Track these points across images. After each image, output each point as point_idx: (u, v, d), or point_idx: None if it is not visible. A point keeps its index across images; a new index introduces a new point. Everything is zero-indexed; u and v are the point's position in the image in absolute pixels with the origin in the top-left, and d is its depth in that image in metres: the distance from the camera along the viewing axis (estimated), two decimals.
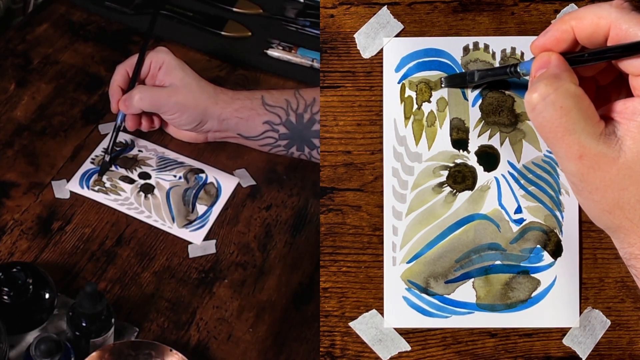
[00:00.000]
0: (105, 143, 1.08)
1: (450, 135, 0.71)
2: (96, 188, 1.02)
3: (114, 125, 1.05)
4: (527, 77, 0.60)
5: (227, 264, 0.97)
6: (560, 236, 0.70)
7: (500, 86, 0.71)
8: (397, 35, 0.71)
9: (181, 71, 1.03)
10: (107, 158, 1.04)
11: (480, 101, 0.71)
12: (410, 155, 0.70)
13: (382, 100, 0.71)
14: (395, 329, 0.70)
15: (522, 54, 0.71)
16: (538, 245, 0.70)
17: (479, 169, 0.71)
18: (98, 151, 1.07)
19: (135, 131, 1.10)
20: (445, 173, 0.71)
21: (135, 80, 1.03)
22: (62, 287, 0.92)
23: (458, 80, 0.69)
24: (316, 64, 1.21)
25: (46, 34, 1.22)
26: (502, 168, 0.70)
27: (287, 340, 0.92)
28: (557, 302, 0.70)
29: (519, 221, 0.70)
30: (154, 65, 1.04)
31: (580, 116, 0.53)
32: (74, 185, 1.03)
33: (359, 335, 0.71)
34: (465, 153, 0.70)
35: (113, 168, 1.05)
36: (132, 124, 1.05)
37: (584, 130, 0.53)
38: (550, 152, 0.70)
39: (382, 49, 0.71)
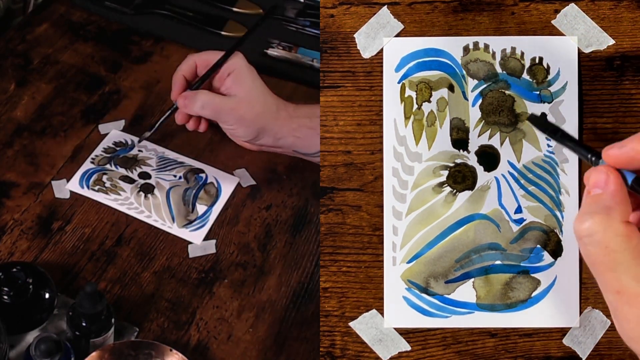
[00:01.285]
0: (105, 143, 1.08)
1: (451, 135, 0.70)
2: (96, 188, 1.02)
3: (167, 110, 1.03)
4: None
5: (227, 264, 0.97)
6: (560, 236, 0.70)
7: (501, 86, 0.71)
8: (397, 35, 0.71)
9: (250, 82, 1.00)
10: (147, 134, 1.04)
11: (480, 101, 0.71)
12: (410, 155, 0.70)
13: (382, 100, 0.71)
14: (395, 329, 0.70)
15: (522, 53, 0.70)
16: (538, 245, 0.70)
17: (479, 169, 0.71)
18: (98, 151, 1.07)
19: (136, 131, 1.10)
20: (445, 173, 0.71)
21: (204, 81, 1.01)
22: (62, 287, 0.92)
23: (540, 124, 0.67)
24: (316, 64, 1.21)
25: (46, 34, 1.22)
26: (502, 168, 0.70)
27: (287, 340, 0.92)
28: (557, 302, 0.70)
29: (519, 221, 0.70)
30: (223, 69, 1.01)
31: (624, 258, 0.53)
32: (74, 185, 1.03)
33: (359, 335, 0.71)
34: (465, 153, 0.70)
35: (113, 168, 1.05)
36: (181, 118, 1.03)
37: (626, 270, 0.53)
38: (550, 152, 0.70)
39: (382, 49, 0.71)
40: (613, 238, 0.53)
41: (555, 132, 0.63)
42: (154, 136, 1.06)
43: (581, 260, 0.71)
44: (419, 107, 0.71)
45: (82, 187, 1.02)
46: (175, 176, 1.05)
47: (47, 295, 0.87)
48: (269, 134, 1.00)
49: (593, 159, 0.59)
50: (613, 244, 0.53)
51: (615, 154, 0.56)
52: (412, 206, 0.70)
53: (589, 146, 0.60)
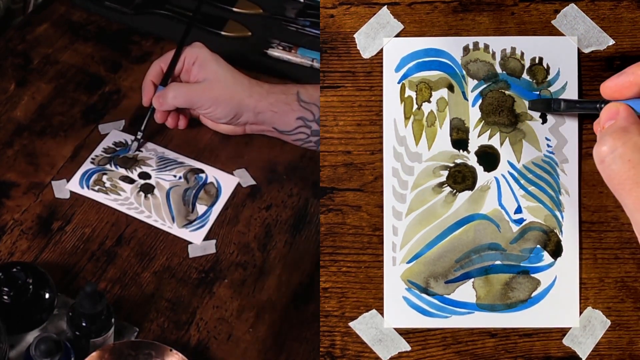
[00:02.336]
0: (105, 143, 1.08)
1: (450, 135, 0.70)
2: (96, 188, 1.02)
3: (148, 112, 1.06)
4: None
5: (227, 264, 0.97)
6: (560, 236, 0.70)
7: (501, 86, 0.71)
8: (397, 35, 0.71)
9: (215, 64, 1.04)
10: (140, 136, 1.06)
11: (480, 101, 0.71)
12: (410, 155, 0.70)
13: (382, 100, 0.71)
14: (395, 329, 0.70)
15: (522, 53, 0.71)
16: (538, 245, 0.70)
17: (479, 169, 0.71)
18: (98, 151, 1.07)
19: (136, 131, 1.10)
20: (445, 173, 0.71)
21: (169, 76, 1.05)
22: (62, 287, 0.92)
23: (541, 106, 0.70)
24: (316, 64, 1.21)
25: (46, 34, 1.22)
26: (502, 168, 0.70)
27: (287, 340, 0.92)
28: (557, 302, 0.70)
29: (519, 221, 0.70)
30: (187, 60, 1.05)
31: None
32: (74, 185, 1.03)
33: (359, 335, 0.71)
34: (465, 153, 0.70)
35: (113, 168, 1.05)
36: (160, 117, 1.07)
37: None
38: (550, 152, 0.70)
39: (382, 49, 0.71)
40: (634, 150, 0.54)
41: (557, 104, 0.67)
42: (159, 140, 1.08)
43: (581, 260, 0.71)
44: (419, 107, 0.71)
45: (82, 187, 1.02)
46: (175, 176, 1.05)
47: (47, 295, 0.87)
48: (247, 109, 1.03)
49: (602, 105, 0.62)
50: (635, 156, 0.53)
51: (614, 83, 0.58)
52: (412, 206, 0.70)
53: (592, 100, 0.63)
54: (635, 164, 0.53)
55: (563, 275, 0.70)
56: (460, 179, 0.71)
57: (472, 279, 0.70)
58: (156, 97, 1.04)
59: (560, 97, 0.70)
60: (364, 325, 0.71)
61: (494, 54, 0.71)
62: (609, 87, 0.59)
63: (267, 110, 1.04)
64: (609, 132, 0.56)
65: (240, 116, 1.04)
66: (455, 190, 0.70)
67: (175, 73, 1.06)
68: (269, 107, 1.04)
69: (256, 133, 1.09)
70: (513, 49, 0.71)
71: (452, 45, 0.71)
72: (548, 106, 0.69)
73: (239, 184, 1.06)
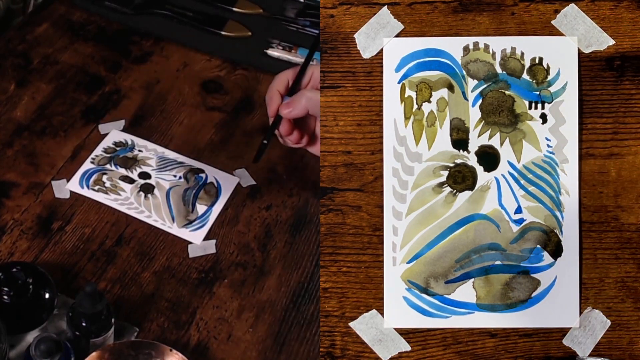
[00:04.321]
0: (105, 143, 1.08)
1: (451, 135, 0.71)
2: (96, 188, 1.02)
3: (270, 126, 1.00)
4: None
5: (227, 264, 0.97)
6: (560, 236, 0.71)
7: (501, 86, 0.71)
8: (397, 36, 0.71)
9: None
10: (255, 160, 1.00)
11: (480, 101, 0.71)
12: (410, 155, 0.70)
13: (382, 100, 0.71)
14: (395, 329, 0.70)
15: (522, 54, 0.71)
16: (538, 246, 0.70)
17: (479, 169, 0.71)
18: (98, 151, 1.07)
19: (136, 131, 1.10)
20: (445, 173, 0.71)
21: (295, 88, 0.99)
22: (62, 287, 0.92)
23: None
24: (316, 64, 1.21)
25: (46, 34, 1.22)
26: (502, 168, 0.70)
27: (287, 340, 0.92)
28: (557, 302, 0.70)
29: (519, 221, 0.70)
30: (315, 77, 1.00)
31: None
32: (74, 185, 1.03)
33: (359, 335, 0.71)
34: (465, 153, 0.70)
35: (113, 168, 1.05)
36: (287, 130, 0.96)
37: None
38: (550, 152, 0.70)
39: (382, 49, 0.71)
40: None
41: None
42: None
43: (581, 260, 0.71)
44: (419, 107, 0.71)
45: (82, 187, 1.02)
46: (175, 176, 1.05)
47: (47, 295, 0.87)
48: None
49: None
50: None
51: None
52: (412, 206, 0.70)
53: None
54: None
55: (563, 275, 0.70)
56: (460, 179, 0.71)
57: (472, 279, 0.70)
58: (285, 104, 0.95)
59: (561, 102, 0.70)
60: (364, 325, 0.71)
61: (494, 54, 0.71)
62: None
63: None
64: None
65: None
66: (455, 190, 0.70)
67: (302, 86, 1.01)
68: None
69: None
70: (513, 49, 0.71)
71: (452, 45, 0.71)
72: None
73: (239, 184, 1.06)
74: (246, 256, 0.98)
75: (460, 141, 0.70)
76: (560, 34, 0.71)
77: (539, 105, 0.71)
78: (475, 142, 0.70)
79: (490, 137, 0.70)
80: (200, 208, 1.02)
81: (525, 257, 0.71)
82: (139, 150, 1.08)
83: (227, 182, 1.06)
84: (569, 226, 0.70)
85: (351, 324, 0.71)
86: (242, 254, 0.99)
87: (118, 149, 1.07)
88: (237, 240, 1.00)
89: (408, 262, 0.70)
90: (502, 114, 0.71)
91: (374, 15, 0.71)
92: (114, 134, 1.09)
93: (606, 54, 0.71)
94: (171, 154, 1.08)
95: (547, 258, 0.70)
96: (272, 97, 0.99)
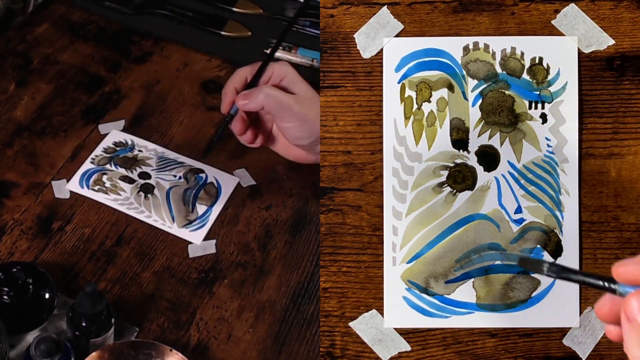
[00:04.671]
0: (105, 143, 1.08)
1: (450, 135, 0.71)
2: (96, 188, 1.02)
3: (221, 122, 0.99)
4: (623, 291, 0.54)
5: (227, 264, 0.97)
6: (560, 236, 0.71)
7: (501, 86, 0.71)
8: (397, 35, 0.71)
9: (305, 86, 0.97)
10: (208, 152, 1.00)
11: (480, 101, 0.71)
12: (410, 155, 0.70)
13: (382, 100, 0.71)
14: (395, 329, 0.70)
15: (522, 53, 0.71)
16: (538, 245, 0.70)
17: (479, 169, 0.71)
18: (98, 151, 1.07)
19: (136, 131, 1.10)
20: (445, 173, 0.71)
21: (253, 86, 0.99)
22: (62, 287, 0.92)
23: (533, 266, 0.63)
24: (316, 64, 1.21)
25: (46, 34, 1.22)
26: (502, 168, 0.70)
27: (287, 340, 0.92)
28: (557, 302, 0.70)
29: (519, 221, 0.70)
30: (275, 76, 0.99)
31: None
32: (74, 185, 1.03)
33: (359, 335, 0.71)
34: (465, 153, 0.70)
35: (113, 168, 1.05)
36: (240, 128, 0.98)
37: None
38: (550, 152, 0.70)
39: (382, 49, 0.71)
40: None
41: (554, 270, 0.58)
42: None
43: (581, 260, 0.71)
44: (419, 107, 0.71)
45: (82, 187, 1.02)
46: (175, 176, 1.05)
47: (47, 295, 0.87)
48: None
49: (610, 285, 0.54)
50: None
51: (631, 271, 0.52)
52: (412, 206, 0.70)
53: (597, 274, 0.55)
54: None
55: None
56: (460, 179, 0.71)
57: (472, 279, 0.70)
58: (242, 95, 0.96)
59: (561, 102, 0.70)
60: (364, 325, 0.71)
61: (494, 54, 0.71)
62: (626, 274, 0.52)
63: None
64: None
65: (318, 142, 0.99)
66: (455, 190, 0.70)
67: (261, 84, 0.99)
68: None
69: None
70: (513, 49, 0.71)
71: (452, 45, 0.71)
72: (539, 268, 0.58)
73: (239, 184, 1.06)
74: (246, 256, 0.98)
75: (460, 141, 0.70)
76: (560, 34, 0.71)
77: (539, 105, 0.71)
78: (475, 142, 0.70)
79: (490, 137, 0.70)
80: (200, 208, 1.02)
81: None
82: (139, 150, 1.08)
83: (227, 182, 1.06)
84: (569, 226, 0.70)
85: (351, 324, 0.71)
86: (242, 254, 0.99)
87: (118, 149, 1.07)
88: (237, 240, 1.00)
89: (408, 262, 0.70)
90: (502, 114, 0.71)
91: (374, 15, 0.71)
92: (114, 134, 1.09)
93: (606, 54, 0.71)
94: (171, 154, 1.08)
95: (547, 258, 0.70)
96: (227, 92, 0.98)
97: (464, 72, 0.71)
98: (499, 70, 0.71)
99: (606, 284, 0.53)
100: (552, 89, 0.71)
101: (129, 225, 1.00)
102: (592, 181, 0.71)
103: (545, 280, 0.70)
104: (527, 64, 0.71)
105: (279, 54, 1.22)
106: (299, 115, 0.95)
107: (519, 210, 0.70)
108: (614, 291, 0.53)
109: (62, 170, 1.04)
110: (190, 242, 0.99)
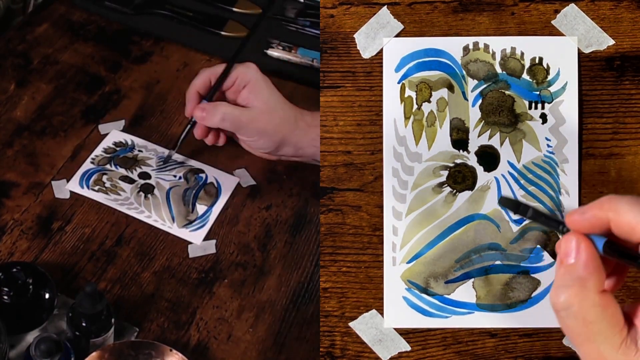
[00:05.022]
0: (105, 143, 1.08)
1: (450, 135, 0.71)
2: (96, 188, 1.02)
3: (185, 126, 1.03)
4: None
5: (227, 264, 0.97)
6: (560, 236, 0.70)
7: (501, 86, 0.71)
8: (397, 35, 0.71)
9: (267, 93, 1.00)
10: (172, 153, 1.04)
11: (480, 101, 0.71)
12: (410, 155, 0.70)
13: (382, 100, 0.71)
14: (395, 329, 0.70)
15: (522, 53, 0.71)
16: (538, 246, 0.70)
17: (479, 169, 0.71)
18: (98, 151, 1.07)
19: (136, 131, 1.10)
20: (445, 173, 0.71)
21: (216, 91, 1.00)
22: (62, 287, 0.92)
23: (510, 205, 0.65)
24: (316, 64, 1.21)
25: (46, 34, 1.22)
26: (502, 168, 0.70)
27: (287, 340, 0.92)
28: None
29: (519, 221, 0.70)
30: (239, 81, 1.00)
31: (602, 327, 0.53)
32: (74, 185, 1.03)
33: (359, 335, 0.71)
34: (465, 153, 0.70)
35: (113, 168, 1.05)
36: (200, 133, 1.03)
37: (604, 340, 0.53)
38: (550, 152, 0.70)
39: (382, 49, 0.71)
40: (589, 309, 0.53)
41: (525, 210, 0.60)
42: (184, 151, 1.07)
43: None
44: (419, 107, 0.71)
45: (82, 187, 1.02)
46: (175, 176, 1.05)
47: (47, 295, 0.87)
48: (289, 144, 1.01)
49: (564, 229, 0.57)
50: (590, 315, 0.53)
51: (577, 221, 0.55)
52: (412, 206, 0.70)
53: (558, 218, 0.58)
54: (588, 322, 0.53)
55: None
56: (460, 179, 0.71)
57: (472, 279, 0.70)
58: (201, 109, 0.99)
59: (561, 102, 0.70)
60: (364, 325, 0.71)
61: (494, 54, 0.71)
62: (575, 222, 0.55)
63: (309, 147, 1.01)
64: (566, 285, 0.53)
65: (280, 149, 1.01)
66: (455, 190, 0.70)
67: (222, 89, 1.02)
68: (311, 142, 1.01)
69: (292, 161, 1.07)
70: (513, 49, 0.71)
71: (452, 45, 0.71)
72: (516, 208, 0.61)
73: (239, 184, 1.06)
74: (246, 256, 0.98)
75: (460, 141, 0.70)
76: (560, 34, 0.71)
77: (539, 105, 0.71)
78: (475, 142, 0.70)
79: (490, 137, 0.70)
80: (200, 208, 1.02)
81: (525, 257, 0.70)
82: (139, 151, 1.08)
83: (227, 182, 1.06)
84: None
85: (351, 324, 0.71)
86: (242, 254, 0.99)
87: (118, 149, 1.07)
88: (237, 240, 1.00)
89: (408, 262, 0.70)
90: (502, 114, 0.71)
91: (373, 15, 0.71)
92: (114, 134, 1.09)
93: (606, 54, 0.71)
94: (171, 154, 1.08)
95: (547, 258, 0.70)
96: (190, 98, 1.01)
97: (464, 72, 0.71)
98: (499, 70, 0.71)
99: (563, 228, 0.56)
100: (552, 89, 0.71)
101: (129, 225, 1.00)
102: (592, 181, 0.71)
103: (545, 281, 0.70)
104: (527, 64, 0.71)
105: (276, 53, 1.22)
106: (256, 130, 0.98)
107: None
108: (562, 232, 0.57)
109: (62, 170, 1.04)
110: (190, 242, 0.99)
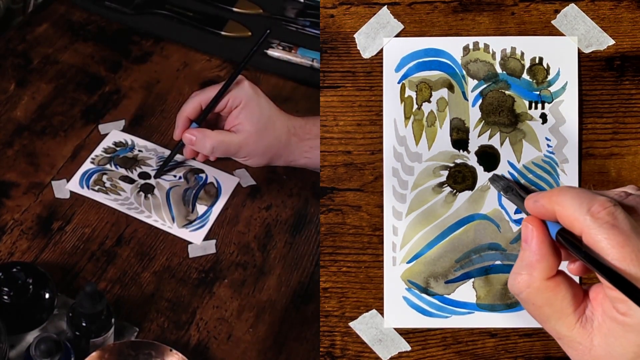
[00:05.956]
0: (105, 143, 1.08)
1: (451, 135, 0.71)
2: (96, 188, 1.02)
3: (173, 148, 1.04)
4: None
5: (227, 264, 0.97)
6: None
7: (501, 86, 0.71)
8: (397, 35, 0.71)
9: (258, 113, 0.99)
10: (155, 175, 1.05)
11: (480, 101, 0.71)
12: (410, 155, 0.70)
13: (382, 100, 0.71)
14: (395, 329, 0.70)
15: (522, 53, 0.71)
16: None
17: (479, 169, 0.71)
18: (98, 151, 1.07)
19: (136, 131, 1.10)
20: (445, 173, 0.71)
21: (206, 116, 0.99)
22: (62, 287, 0.92)
23: (501, 184, 0.69)
24: (316, 64, 1.21)
25: (46, 34, 1.22)
26: (502, 168, 0.70)
27: (287, 340, 0.92)
28: None
29: (519, 221, 0.70)
30: (231, 102, 0.99)
31: (553, 310, 0.55)
32: (74, 185, 1.03)
33: (359, 335, 0.71)
34: (465, 153, 0.70)
35: (113, 168, 1.05)
36: (190, 154, 1.04)
37: (557, 321, 0.56)
38: (550, 152, 0.70)
39: (382, 49, 0.71)
40: (537, 295, 0.56)
41: (499, 184, 0.64)
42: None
43: None
44: (419, 107, 0.71)
45: (82, 187, 1.02)
46: (175, 176, 1.05)
47: (47, 295, 0.87)
48: (281, 159, 1.02)
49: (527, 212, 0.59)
50: (538, 300, 0.56)
51: (531, 208, 0.58)
52: (412, 206, 0.70)
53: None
54: (539, 306, 0.56)
55: None
56: (460, 179, 0.71)
57: (472, 279, 0.70)
58: (190, 137, 0.99)
59: (561, 102, 0.70)
60: (364, 325, 0.71)
61: (494, 54, 0.71)
62: (529, 209, 0.58)
63: (301, 158, 1.02)
64: (517, 272, 0.57)
65: (272, 163, 1.03)
66: (455, 190, 0.70)
67: (215, 110, 1.01)
68: (302, 154, 1.02)
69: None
70: (513, 49, 0.71)
71: (452, 45, 0.71)
72: (495, 182, 0.66)
73: (239, 184, 1.06)
74: (246, 256, 0.99)
75: (460, 141, 0.70)
76: (560, 34, 0.71)
77: (539, 105, 0.71)
78: (475, 142, 0.70)
79: (490, 137, 0.70)
80: (200, 208, 1.02)
81: None
82: (139, 150, 1.08)
83: (227, 182, 1.06)
84: None
85: (351, 324, 0.71)
86: (242, 254, 0.99)
87: (118, 149, 1.08)
88: (237, 240, 1.00)
89: (408, 262, 0.70)
90: (502, 114, 0.71)
91: (374, 15, 0.71)
92: (114, 134, 1.09)
93: (606, 54, 0.71)
94: None
95: None
96: (179, 122, 1.01)
97: (464, 72, 0.71)
98: (499, 70, 0.71)
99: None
100: (552, 89, 0.71)
101: (129, 225, 1.00)
102: (592, 181, 0.71)
103: None
104: (527, 64, 0.71)
105: (276, 53, 1.22)
106: (246, 152, 0.99)
107: (519, 210, 0.70)
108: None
109: (62, 170, 1.04)
110: (190, 242, 0.99)
